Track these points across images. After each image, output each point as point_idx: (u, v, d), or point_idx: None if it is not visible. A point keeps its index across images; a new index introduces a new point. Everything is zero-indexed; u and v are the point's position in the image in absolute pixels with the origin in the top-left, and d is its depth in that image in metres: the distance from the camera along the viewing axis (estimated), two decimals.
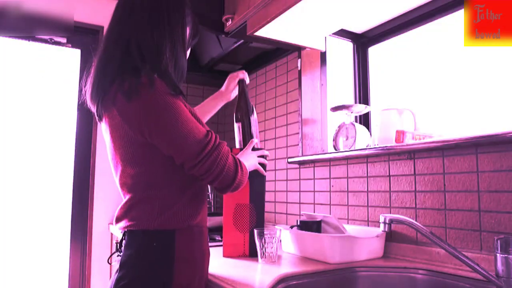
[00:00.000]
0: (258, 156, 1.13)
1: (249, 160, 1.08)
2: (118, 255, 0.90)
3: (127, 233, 0.88)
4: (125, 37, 0.88)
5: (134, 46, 0.87)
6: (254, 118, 1.24)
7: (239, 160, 0.93)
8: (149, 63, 0.85)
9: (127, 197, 0.90)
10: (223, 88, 1.31)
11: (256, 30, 1.44)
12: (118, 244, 0.92)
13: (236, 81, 1.29)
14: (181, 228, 0.88)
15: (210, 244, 1.45)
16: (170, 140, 0.83)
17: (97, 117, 0.93)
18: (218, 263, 1.16)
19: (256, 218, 1.25)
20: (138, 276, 0.84)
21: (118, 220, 0.91)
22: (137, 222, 0.86)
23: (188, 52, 1.02)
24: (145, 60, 0.86)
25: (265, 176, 1.21)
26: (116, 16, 0.93)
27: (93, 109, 0.93)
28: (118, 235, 1.00)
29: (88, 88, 0.92)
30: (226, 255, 1.24)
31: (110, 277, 0.91)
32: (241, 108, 1.24)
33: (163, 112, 0.82)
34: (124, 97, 0.82)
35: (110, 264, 0.95)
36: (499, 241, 0.82)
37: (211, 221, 1.77)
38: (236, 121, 1.24)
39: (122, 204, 0.91)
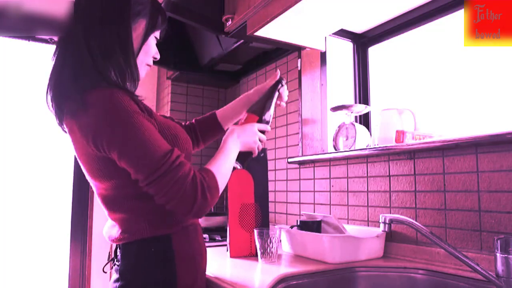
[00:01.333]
0: (259, 131, 1.03)
1: (247, 136, 0.98)
2: (114, 264, 0.88)
3: (121, 245, 0.86)
4: (68, 39, 0.85)
5: (71, 51, 0.83)
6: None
7: (202, 185, 0.80)
8: (92, 69, 0.81)
9: (108, 209, 0.88)
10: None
11: (256, 30, 1.44)
12: (113, 253, 0.90)
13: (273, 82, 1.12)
14: (176, 231, 0.87)
15: (210, 244, 1.47)
16: (122, 154, 0.77)
17: (59, 125, 0.89)
18: (218, 263, 1.16)
19: (262, 217, 1.26)
20: (142, 283, 0.83)
21: (107, 233, 0.90)
22: (129, 235, 0.84)
23: (151, 44, 0.95)
24: (84, 66, 0.81)
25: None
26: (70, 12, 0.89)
27: (54, 117, 0.88)
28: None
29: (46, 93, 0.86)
30: (233, 255, 1.24)
31: (110, 277, 0.90)
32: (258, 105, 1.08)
33: (116, 125, 0.77)
34: (76, 111, 0.79)
35: (105, 273, 0.93)
36: (499, 241, 0.82)
37: (211, 221, 1.77)
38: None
39: (108, 216, 0.89)
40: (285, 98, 1.14)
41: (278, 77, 1.11)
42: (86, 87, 0.79)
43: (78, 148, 0.85)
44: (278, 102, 1.12)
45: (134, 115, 0.79)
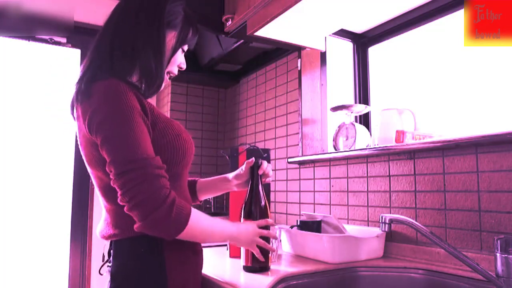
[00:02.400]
0: (260, 228, 0.97)
1: (245, 235, 0.93)
2: (108, 266, 0.88)
3: (113, 243, 0.86)
4: (99, 42, 0.91)
5: (100, 53, 0.89)
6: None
7: (174, 201, 0.78)
8: (110, 70, 0.85)
9: (102, 201, 0.88)
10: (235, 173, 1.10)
11: (256, 30, 1.44)
12: (107, 254, 0.89)
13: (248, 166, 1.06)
14: None
15: (210, 244, 1.46)
16: (105, 141, 0.78)
17: (71, 114, 0.92)
18: (218, 262, 1.16)
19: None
20: (132, 285, 0.82)
21: (99, 231, 0.89)
22: (119, 231, 0.84)
23: (177, 56, 0.96)
24: (104, 68, 0.86)
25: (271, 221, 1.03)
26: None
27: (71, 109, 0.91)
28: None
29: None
30: (233, 255, 1.23)
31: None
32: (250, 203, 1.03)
33: (111, 112, 0.79)
34: (83, 98, 0.83)
35: (102, 275, 0.92)
36: (499, 241, 0.82)
37: None
38: (243, 217, 1.04)
39: (104, 209, 0.89)
40: (270, 173, 1.07)
41: (252, 163, 1.05)
42: (98, 79, 0.83)
43: (80, 134, 0.87)
44: (264, 179, 1.07)
45: (131, 110, 0.80)
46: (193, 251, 0.91)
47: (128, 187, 0.75)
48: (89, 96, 0.81)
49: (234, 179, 1.09)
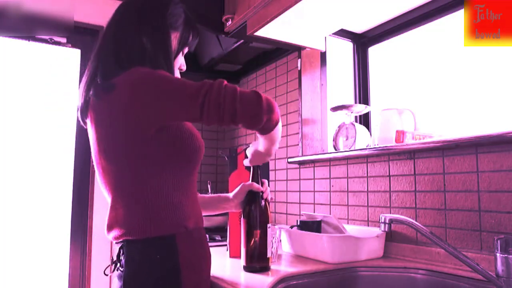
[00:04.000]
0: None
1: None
2: (117, 269, 0.86)
3: (124, 245, 0.83)
4: (107, 44, 0.89)
5: (105, 53, 0.88)
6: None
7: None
8: (125, 63, 0.85)
9: (109, 200, 0.87)
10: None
11: (256, 30, 1.44)
12: (116, 257, 0.87)
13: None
14: (180, 233, 0.84)
15: (210, 244, 1.46)
16: (165, 99, 0.78)
17: (80, 116, 0.91)
18: (219, 263, 1.16)
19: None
20: None
21: (109, 228, 0.87)
22: (129, 230, 0.82)
23: (178, 58, 0.97)
24: (123, 62, 0.85)
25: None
26: (110, 19, 0.94)
27: (80, 105, 0.91)
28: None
29: (82, 85, 0.90)
30: (233, 255, 1.23)
31: (110, 280, 0.88)
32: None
33: (149, 80, 0.80)
34: (105, 93, 0.83)
35: (107, 275, 0.91)
36: (499, 241, 0.82)
37: (211, 221, 1.77)
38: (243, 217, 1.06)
39: (109, 208, 0.87)
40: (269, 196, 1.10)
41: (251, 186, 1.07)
42: (120, 72, 0.83)
43: (100, 127, 0.86)
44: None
45: (157, 70, 0.82)
46: (205, 257, 0.90)
47: (222, 103, 0.76)
48: (113, 87, 0.82)
49: (232, 200, 1.08)
